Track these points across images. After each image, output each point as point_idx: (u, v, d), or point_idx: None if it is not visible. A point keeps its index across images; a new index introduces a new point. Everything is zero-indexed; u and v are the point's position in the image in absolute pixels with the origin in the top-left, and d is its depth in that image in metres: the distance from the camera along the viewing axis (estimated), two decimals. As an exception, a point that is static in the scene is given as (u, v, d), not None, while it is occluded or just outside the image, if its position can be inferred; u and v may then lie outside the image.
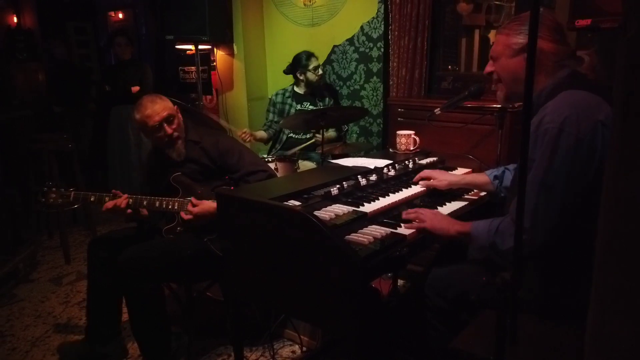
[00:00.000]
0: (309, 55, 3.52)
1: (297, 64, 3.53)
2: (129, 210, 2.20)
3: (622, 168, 0.60)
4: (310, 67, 3.48)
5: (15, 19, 6.25)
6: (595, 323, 0.67)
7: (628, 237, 0.61)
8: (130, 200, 2.19)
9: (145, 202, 2.20)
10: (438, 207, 1.86)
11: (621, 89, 0.61)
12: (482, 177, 1.94)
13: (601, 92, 1.40)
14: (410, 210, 1.68)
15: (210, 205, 2.13)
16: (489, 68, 1.62)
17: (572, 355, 1.25)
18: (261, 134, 3.64)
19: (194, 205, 2.15)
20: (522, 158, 1.00)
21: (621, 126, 0.61)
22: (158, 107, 2.18)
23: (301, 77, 3.53)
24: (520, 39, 1.50)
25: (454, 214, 1.79)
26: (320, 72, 3.54)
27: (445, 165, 2.42)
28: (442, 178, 1.97)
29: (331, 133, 3.64)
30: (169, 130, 2.20)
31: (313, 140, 3.44)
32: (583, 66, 1.49)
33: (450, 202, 1.92)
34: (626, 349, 0.65)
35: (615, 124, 0.62)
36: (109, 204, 2.16)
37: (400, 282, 2.74)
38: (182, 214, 2.16)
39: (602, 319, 0.66)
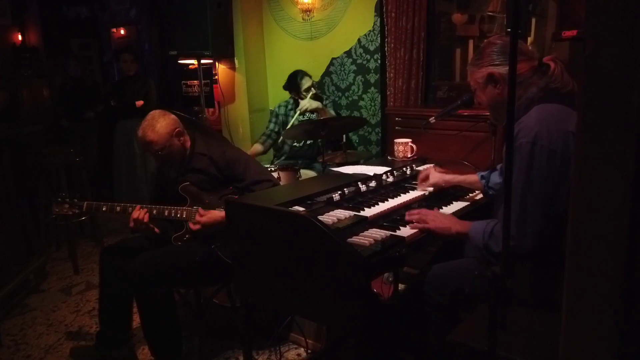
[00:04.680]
0: (302, 75, 3.63)
1: (292, 84, 3.65)
2: (144, 225, 2.28)
3: (584, 164, 0.71)
4: (303, 88, 3.59)
5: (20, 37, 6.40)
6: (570, 296, 0.77)
7: (592, 220, 0.72)
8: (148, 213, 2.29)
9: (155, 211, 2.30)
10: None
11: (582, 97, 0.72)
12: (472, 177, 2.09)
13: (571, 103, 1.51)
14: (413, 212, 1.78)
15: (217, 214, 2.23)
16: (476, 99, 1.78)
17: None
18: (256, 148, 3.74)
19: (201, 215, 2.25)
20: (507, 171, 1.10)
21: (583, 126, 0.72)
22: (153, 138, 2.25)
23: (296, 97, 3.65)
24: (482, 72, 1.66)
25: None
26: (313, 90, 3.60)
27: (441, 171, 2.52)
28: (437, 174, 2.12)
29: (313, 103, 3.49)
30: (157, 161, 2.37)
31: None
32: (552, 76, 1.59)
33: (446, 205, 2.02)
34: (597, 317, 0.75)
35: (578, 125, 0.73)
36: (135, 213, 2.27)
37: (401, 286, 2.82)
38: (191, 224, 2.26)
39: (576, 292, 0.76)
